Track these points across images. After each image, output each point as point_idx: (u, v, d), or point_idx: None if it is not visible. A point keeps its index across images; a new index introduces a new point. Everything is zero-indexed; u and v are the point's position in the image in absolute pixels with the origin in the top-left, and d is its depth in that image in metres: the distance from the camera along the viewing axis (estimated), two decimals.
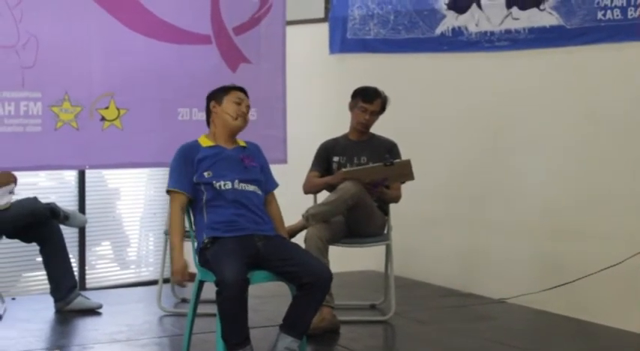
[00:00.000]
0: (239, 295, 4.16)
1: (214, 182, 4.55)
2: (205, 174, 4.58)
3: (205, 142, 4.77)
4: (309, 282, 4.30)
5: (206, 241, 4.46)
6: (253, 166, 4.75)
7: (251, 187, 4.64)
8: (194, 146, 4.75)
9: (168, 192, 4.67)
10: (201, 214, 4.58)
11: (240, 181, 4.60)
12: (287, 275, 4.40)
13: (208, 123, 4.89)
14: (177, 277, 4.39)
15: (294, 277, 4.36)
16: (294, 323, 4.38)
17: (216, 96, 4.83)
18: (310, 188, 5.77)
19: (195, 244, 4.60)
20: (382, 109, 5.75)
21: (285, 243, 4.63)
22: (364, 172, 5.47)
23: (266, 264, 4.42)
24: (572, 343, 5.16)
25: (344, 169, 5.50)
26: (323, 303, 5.16)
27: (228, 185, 4.56)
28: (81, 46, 6.30)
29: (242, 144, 4.83)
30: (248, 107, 4.82)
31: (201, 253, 4.50)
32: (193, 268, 4.62)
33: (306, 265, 4.39)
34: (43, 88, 6.19)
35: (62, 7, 6.23)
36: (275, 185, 4.90)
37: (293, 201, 5.61)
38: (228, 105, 4.75)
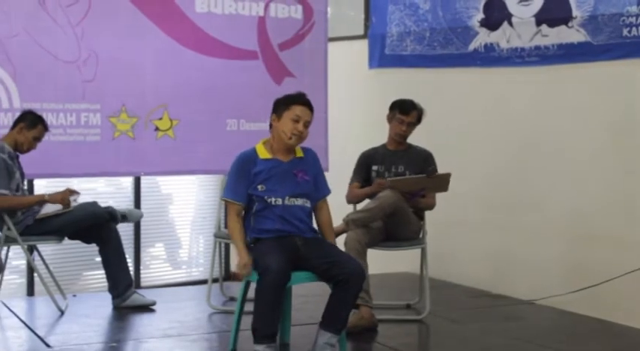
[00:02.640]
0: (279, 283, 4.20)
1: (266, 197, 4.49)
2: (259, 187, 4.51)
3: (263, 152, 4.62)
4: (343, 279, 4.31)
5: (250, 241, 4.49)
6: (306, 180, 4.63)
7: (300, 201, 4.57)
8: (251, 157, 4.61)
9: (224, 200, 4.63)
10: (249, 218, 4.56)
11: (291, 196, 4.53)
12: (323, 273, 4.39)
13: (271, 126, 4.69)
14: (245, 270, 4.37)
15: (329, 275, 4.36)
16: (331, 320, 4.37)
17: (278, 108, 4.62)
18: (352, 198, 5.76)
19: None
20: (418, 120, 5.73)
21: (322, 243, 4.61)
22: (408, 181, 5.48)
23: (306, 263, 4.42)
24: (598, 343, 5.11)
25: (389, 178, 5.50)
26: (362, 302, 5.20)
27: (279, 201, 4.50)
28: (137, 62, 6.38)
29: (299, 155, 4.70)
30: (307, 123, 4.60)
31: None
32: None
33: (340, 263, 4.37)
34: (102, 100, 6.28)
35: (120, 25, 6.31)
36: (326, 192, 4.79)
37: (334, 206, 5.61)
38: (285, 122, 4.55)
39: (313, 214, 4.72)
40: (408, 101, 5.72)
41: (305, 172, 4.64)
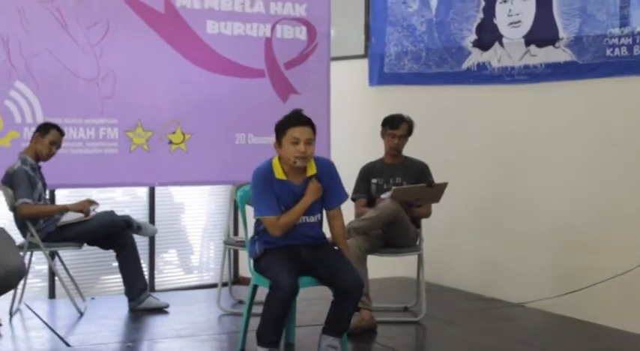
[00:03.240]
0: (288, 298, 4.17)
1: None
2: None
3: (279, 172, 4.40)
4: (343, 289, 4.28)
5: (259, 252, 4.42)
6: (317, 202, 4.48)
7: (312, 219, 4.47)
8: (269, 173, 4.39)
9: (258, 219, 4.46)
10: (262, 229, 4.45)
11: (304, 215, 4.41)
12: (325, 280, 4.36)
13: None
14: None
15: (331, 283, 4.34)
16: (333, 325, 4.35)
17: (277, 135, 4.40)
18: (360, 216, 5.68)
19: (250, 248, 4.57)
20: (409, 132, 5.74)
21: (327, 251, 4.51)
22: (409, 190, 5.50)
23: (310, 270, 4.38)
24: (584, 344, 5.11)
25: (394, 187, 5.50)
26: (362, 306, 5.20)
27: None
28: (152, 79, 6.42)
29: (311, 172, 4.46)
30: (309, 140, 4.35)
31: (256, 262, 4.49)
32: (248, 273, 4.66)
33: (341, 273, 4.29)
34: (120, 115, 6.31)
35: (136, 45, 6.36)
36: (340, 201, 4.60)
37: None
38: (286, 147, 4.34)
39: (327, 221, 4.61)
40: (397, 116, 5.74)
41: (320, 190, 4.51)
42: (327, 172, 4.52)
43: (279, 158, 4.42)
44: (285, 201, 4.37)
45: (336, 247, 4.59)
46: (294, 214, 4.36)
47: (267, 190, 4.35)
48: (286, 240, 4.39)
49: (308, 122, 4.38)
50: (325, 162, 4.60)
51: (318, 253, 4.44)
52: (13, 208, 5.53)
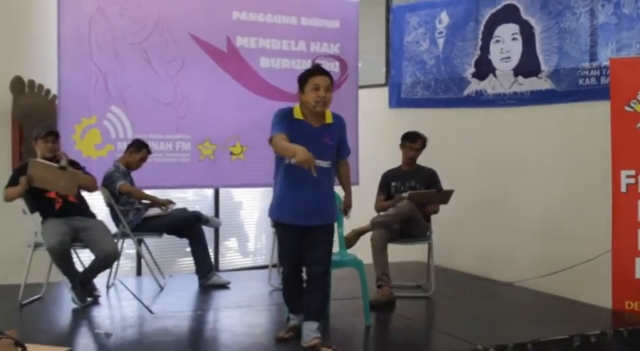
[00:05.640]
0: (292, 282, 4.15)
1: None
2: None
3: (298, 113, 4.03)
4: (308, 275, 4.08)
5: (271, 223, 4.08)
6: (330, 145, 4.06)
7: (324, 164, 4.00)
8: (289, 113, 4.02)
9: (271, 139, 3.95)
10: (280, 172, 4.10)
11: (317, 157, 3.83)
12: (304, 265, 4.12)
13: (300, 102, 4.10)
14: (308, 159, 3.67)
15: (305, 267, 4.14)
16: (309, 311, 4.10)
17: (300, 85, 4.03)
18: (380, 208, 5.71)
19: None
20: (423, 146, 5.74)
21: (317, 238, 4.05)
22: (422, 194, 5.50)
23: (304, 247, 4.07)
24: (561, 315, 5.06)
25: (410, 192, 5.51)
26: (383, 283, 5.20)
27: None
28: (217, 103, 6.46)
29: (328, 121, 4.08)
30: (328, 87, 3.98)
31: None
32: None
33: (306, 261, 4.06)
34: (191, 132, 6.36)
35: (205, 76, 6.41)
36: (348, 153, 4.25)
37: (362, 211, 5.65)
38: (308, 93, 3.97)
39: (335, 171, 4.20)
40: (414, 132, 5.74)
41: (331, 138, 4.07)
42: (340, 126, 4.15)
43: (300, 105, 4.07)
44: (297, 138, 3.86)
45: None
46: (288, 147, 3.80)
47: (282, 121, 3.94)
48: (303, 184, 3.96)
49: (327, 73, 4.06)
50: (340, 118, 4.18)
51: (312, 235, 4.04)
52: (110, 204, 5.61)
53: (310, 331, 4.04)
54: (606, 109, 5.12)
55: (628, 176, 4.98)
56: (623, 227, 5.00)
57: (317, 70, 4.06)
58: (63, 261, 4.98)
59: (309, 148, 3.75)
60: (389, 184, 5.77)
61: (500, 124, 6.51)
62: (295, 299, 4.21)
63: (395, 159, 5.88)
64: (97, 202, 5.77)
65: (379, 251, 5.29)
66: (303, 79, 4.03)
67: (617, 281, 5.02)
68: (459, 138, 6.89)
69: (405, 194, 5.51)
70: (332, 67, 6.94)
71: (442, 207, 5.65)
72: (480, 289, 6.00)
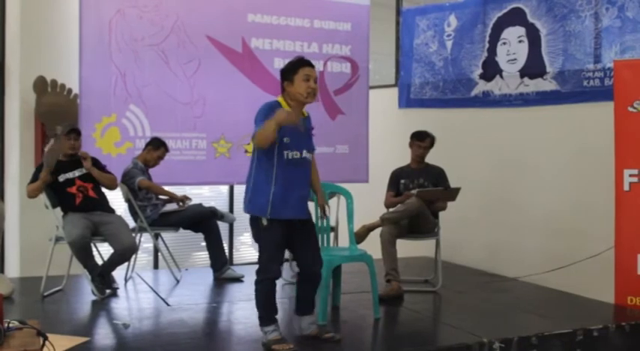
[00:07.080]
0: (273, 285, 3.93)
1: (289, 151, 3.79)
2: (284, 139, 3.76)
3: (285, 105, 3.82)
4: (302, 273, 4.06)
5: (265, 222, 3.83)
6: (312, 136, 4.00)
7: (309, 155, 3.90)
8: (276, 106, 3.79)
9: (253, 136, 3.74)
10: (269, 169, 3.82)
11: (307, 151, 3.85)
12: (297, 260, 4.07)
13: (282, 90, 3.88)
14: (289, 113, 3.59)
15: (298, 265, 4.09)
16: (307, 306, 4.12)
17: (287, 75, 3.82)
18: (389, 205, 5.70)
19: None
20: (431, 144, 5.74)
21: (310, 234, 3.99)
22: (430, 192, 5.49)
23: (294, 245, 3.99)
24: (564, 309, 5.07)
25: (418, 189, 5.50)
26: (392, 278, 5.21)
27: (297, 155, 3.80)
28: (232, 103, 6.47)
29: (305, 114, 3.93)
30: (316, 79, 3.81)
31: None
32: None
33: (302, 259, 3.99)
34: (207, 130, 6.37)
35: (221, 76, 6.41)
36: (315, 148, 4.05)
37: (372, 207, 5.68)
38: (299, 84, 3.76)
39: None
40: (423, 131, 5.74)
41: (310, 130, 3.99)
42: (309, 120, 4.02)
43: (285, 96, 3.85)
44: (286, 129, 3.71)
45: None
46: (269, 121, 3.61)
47: (268, 116, 3.66)
48: (294, 177, 3.81)
49: (313, 65, 3.86)
50: (309, 114, 4.01)
51: (303, 231, 3.94)
52: (128, 200, 5.64)
53: (310, 323, 4.12)
54: (610, 109, 5.11)
55: (631, 175, 4.99)
56: (625, 225, 5.00)
57: (306, 61, 3.85)
58: (83, 254, 5.02)
59: (298, 138, 3.75)
60: (398, 182, 5.77)
61: (507, 124, 6.50)
62: (274, 303, 3.99)
63: (404, 157, 5.88)
64: (116, 197, 5.80)
65: (388, 246, 5.30)
66: (292, 69, 3.81)
67: (619, 277, 5.02)
68: (466, 137, 6.88)
69: (414, 191, 5.51)
70: (343, 68, 6.96)
71: (449, 204, 5.64)
72: (486, 283, 5.99)
